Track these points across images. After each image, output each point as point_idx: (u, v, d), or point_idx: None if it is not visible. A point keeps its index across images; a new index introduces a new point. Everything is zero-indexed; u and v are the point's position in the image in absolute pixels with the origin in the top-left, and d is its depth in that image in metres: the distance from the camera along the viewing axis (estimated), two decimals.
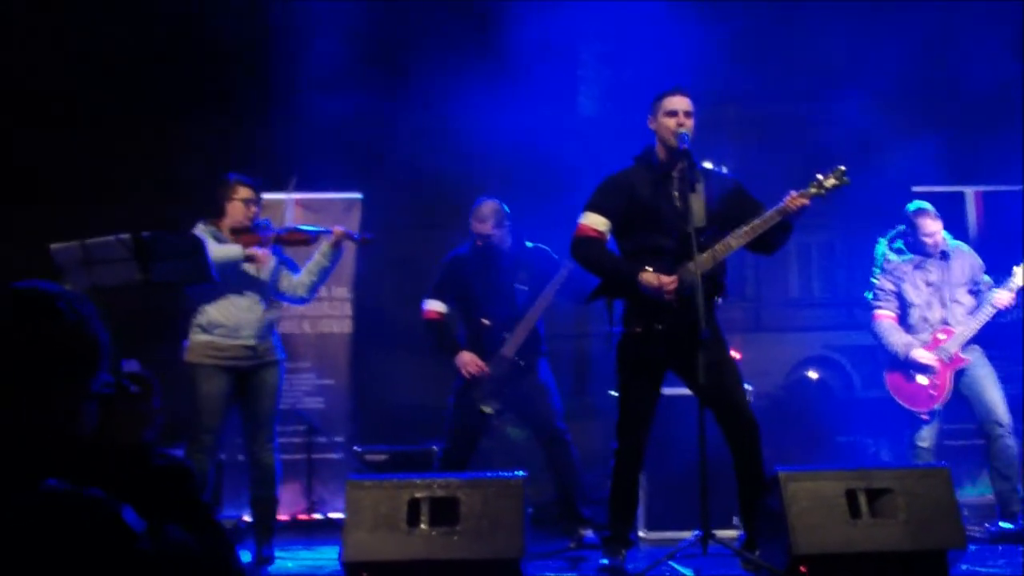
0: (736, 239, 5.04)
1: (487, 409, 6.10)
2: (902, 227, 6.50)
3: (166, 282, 5.42)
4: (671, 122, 5.12)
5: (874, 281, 6.52)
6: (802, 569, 4.54)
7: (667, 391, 5.37)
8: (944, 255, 6.39)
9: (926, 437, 6.36)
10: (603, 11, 7.97)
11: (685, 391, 5.46)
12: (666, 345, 5.10)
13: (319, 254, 5.89)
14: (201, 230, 5.69)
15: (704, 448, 4.88)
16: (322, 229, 5.96)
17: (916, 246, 6.42)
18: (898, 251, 6.49)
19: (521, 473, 4.84)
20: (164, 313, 5.92)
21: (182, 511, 1.93)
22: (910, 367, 6.34)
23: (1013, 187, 7.57)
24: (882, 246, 6.57)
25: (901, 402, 6.41)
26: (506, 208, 6.23)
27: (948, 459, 5.83)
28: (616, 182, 5.28)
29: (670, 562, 4.97)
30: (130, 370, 2.10)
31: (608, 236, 5.23)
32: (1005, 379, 6.44)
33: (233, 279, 5.67)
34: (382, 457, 7.39)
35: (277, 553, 5.87)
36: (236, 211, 5.75)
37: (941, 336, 6.34)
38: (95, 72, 8.55)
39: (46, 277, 1.97)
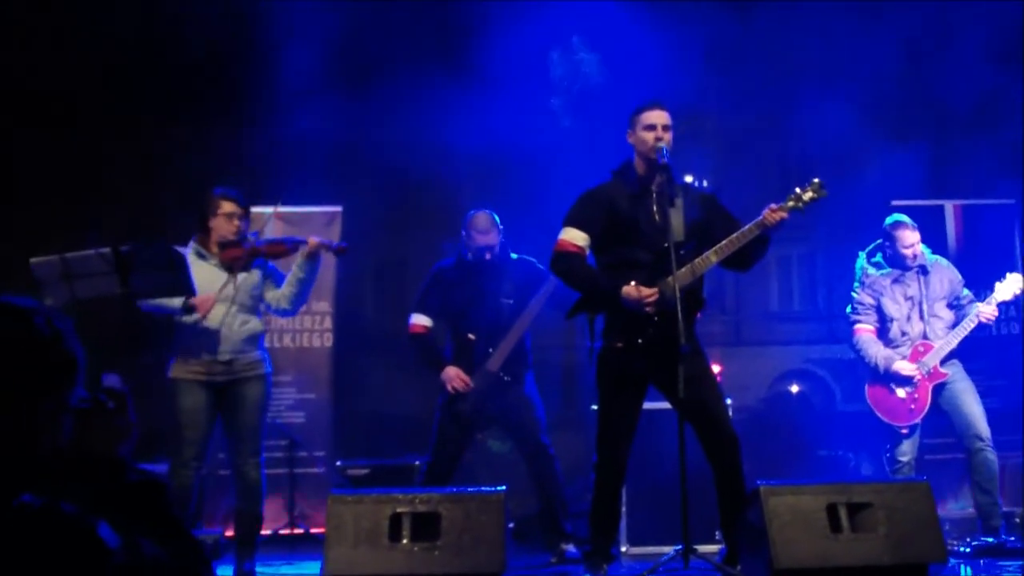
0: (715, 253, 5.05)
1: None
2: (881, 240, 6.54)
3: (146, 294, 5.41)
4: (650, 136, 5.12)
5: (854, 295, 6.55)
6: None
7: (648, 405, 5.36)
8: (923, 269, 6.43)
9: (906, 451, 6.38)
10: (579, 19, 7.98)
11: (666, 405, 5.46)
12: (646, 359, 5.09)
13: (295, 266, 5.85)
14: (192, 246, 5.67)
15: (684, 462, 4.88)
16: (299, 239, 5.90)
17: (895, 259, 6.45)
18: (877, 265, 6.52)
19: (502, 488, 4.84)
20: (146, 324, 5.88)
21: (157, 526, 1.93)
22: (891, 380, 6.36)
23: (992, 201, 7.62)
24: (861, 260, 6.60)
25: (881, 416, 6.43)
26: (496, 216, 6.23)
27: (929, 473, 5.86)
28: (594, 197, 5.27)
29: None
30: (109, 384, 2.09)
31: (588, 251, 5.22)
32: (984, 393, 6.48)
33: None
34: (364, 471, 7.36)
35: (258, 568, 5.81)
36: (220, 226, 5.72)
37: (920, 350, 6.37)
38: (77, 76, 8.51)
39: (23, 290, 1.96)
